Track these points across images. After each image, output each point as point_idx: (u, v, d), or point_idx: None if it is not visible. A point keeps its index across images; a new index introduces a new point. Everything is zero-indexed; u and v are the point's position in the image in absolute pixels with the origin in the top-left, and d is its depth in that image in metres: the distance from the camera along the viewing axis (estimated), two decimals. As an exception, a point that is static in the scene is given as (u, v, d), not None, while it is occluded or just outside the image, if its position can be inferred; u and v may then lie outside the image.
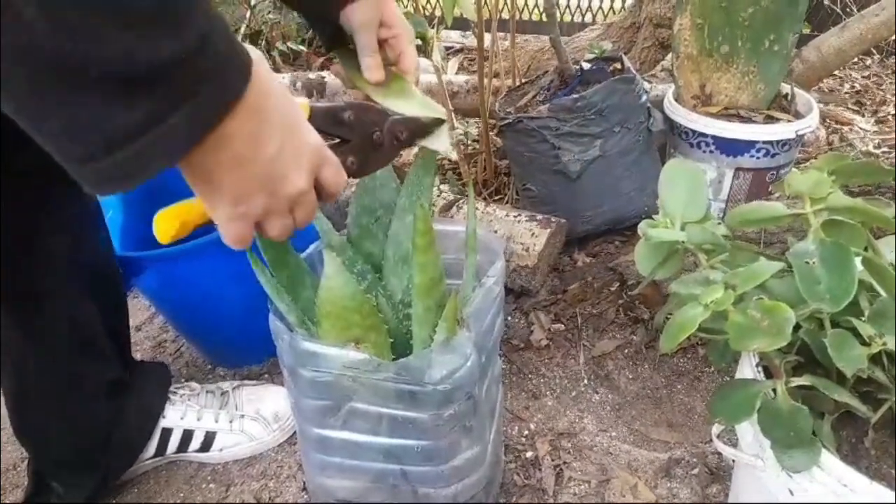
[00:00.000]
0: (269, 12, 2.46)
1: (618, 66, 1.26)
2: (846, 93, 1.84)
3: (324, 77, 1.81)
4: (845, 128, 1.55)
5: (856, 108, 1.72)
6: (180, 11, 0.36)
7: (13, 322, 0.73)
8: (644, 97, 1.20)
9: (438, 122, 0.65)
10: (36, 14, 0.31)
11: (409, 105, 0.66)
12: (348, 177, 0.57)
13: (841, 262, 0.55)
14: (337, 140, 0.58)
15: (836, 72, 1.90)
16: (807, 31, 2.42)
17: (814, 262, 0.56)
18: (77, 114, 0.34)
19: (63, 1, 0.31)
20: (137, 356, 1.13)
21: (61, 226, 0.74)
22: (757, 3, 1.15)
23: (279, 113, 0.44)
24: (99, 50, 0.33)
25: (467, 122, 1.77)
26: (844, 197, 0.58)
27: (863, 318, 0.55)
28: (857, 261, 0.59)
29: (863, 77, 1.96)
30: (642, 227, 0.71)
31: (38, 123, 0.35)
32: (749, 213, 0.63)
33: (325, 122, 0.56)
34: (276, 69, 2.44)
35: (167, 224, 0.55)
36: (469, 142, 1.65)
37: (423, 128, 0.64)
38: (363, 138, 0.60)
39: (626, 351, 1.08)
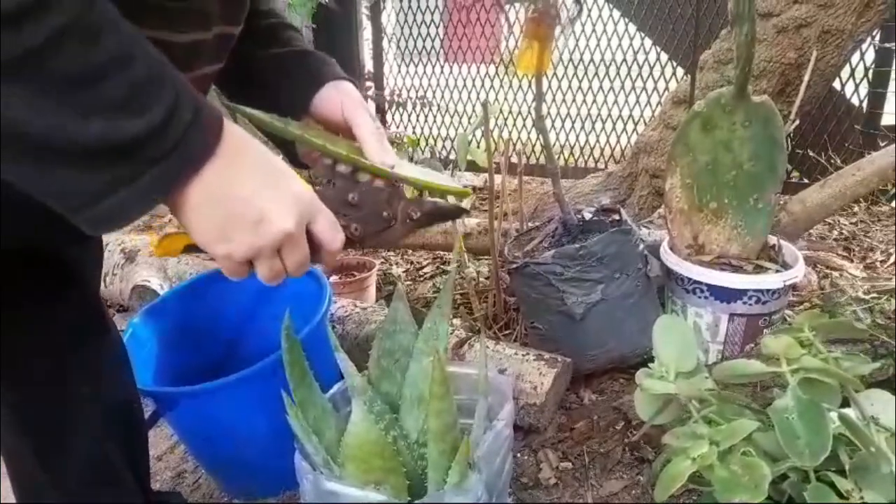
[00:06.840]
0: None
1: (616, 217, 1.38)
2: (835, 239, 1.96)
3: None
4: (835, 273, 1.64)
5: (845, 253, 1.83)
6: (148, 97, 0.43)
7: (34, 454, 0.74)
8: (641, 246, 1.31)
9: (459, 212, 0.68)
10: (20, 104, 0.39)
11: (439, 178, 0.69)
12: (354, 244, 0.61)
13: (816, 419, 0.61)
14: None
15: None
16: (795, 177, 2.60)
17: (793, 418, 0.62)
18: (62, 179, 0.43)
19: (40, 92, 0.39)
20: (156, 486, 1.16)
21: (89, 367, 0.78)
22: (739, 167, 1.28)
23: (255, 161, 0.50)
24: (75, 135, 0.41)
25: (479, 261, 1.88)
26: (815, 360, 0.64)
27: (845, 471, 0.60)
28: (834, 415, 0.65)
29: (851, 223, 2.09)
30: (639, 377, 0.78)
31: (35, 187, 0.43)
32: (733, 370, 0.70)
33: (326, 202, 0.58)
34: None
35: (172, 244, 0.58)
36: (480, 280, 1.76)
37: (442, 213, 0.66)
38: (371, 214, 0.62)
39: (634, 492, 1.10)
